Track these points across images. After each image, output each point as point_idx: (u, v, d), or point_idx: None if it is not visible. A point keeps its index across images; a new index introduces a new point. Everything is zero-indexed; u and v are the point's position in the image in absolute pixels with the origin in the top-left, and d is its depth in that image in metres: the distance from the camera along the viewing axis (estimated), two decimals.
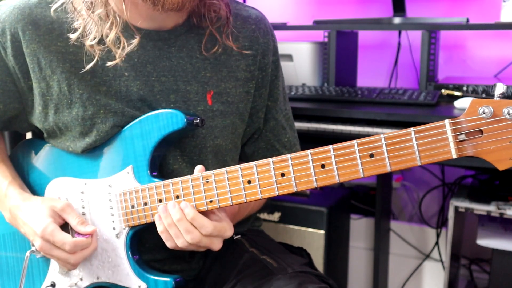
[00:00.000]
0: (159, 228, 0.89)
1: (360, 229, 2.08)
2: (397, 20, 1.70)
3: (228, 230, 0.89)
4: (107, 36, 0.91)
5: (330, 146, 0.78)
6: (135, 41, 0.92)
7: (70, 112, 0.96)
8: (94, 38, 0.92)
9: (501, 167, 0.70)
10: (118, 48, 0.92)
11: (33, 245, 1.03)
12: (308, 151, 0.80)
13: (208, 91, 1.00)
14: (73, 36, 0.93)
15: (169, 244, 0.89)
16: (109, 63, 0.93)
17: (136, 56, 0.97)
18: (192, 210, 0.86)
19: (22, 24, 0.95)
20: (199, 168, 0.89)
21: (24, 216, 0.96)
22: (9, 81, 0.98)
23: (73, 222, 0.95)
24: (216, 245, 0.88)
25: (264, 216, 1.78)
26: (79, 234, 0.94)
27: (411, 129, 0.74)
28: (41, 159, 1.05)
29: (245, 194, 0.85)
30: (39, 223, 0.93)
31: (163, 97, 0.97)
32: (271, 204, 1.78)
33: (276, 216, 1.78)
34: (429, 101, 1.46)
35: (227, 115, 1.01)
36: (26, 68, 0.97)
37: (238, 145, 1.08)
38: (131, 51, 0.95)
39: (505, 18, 1.58)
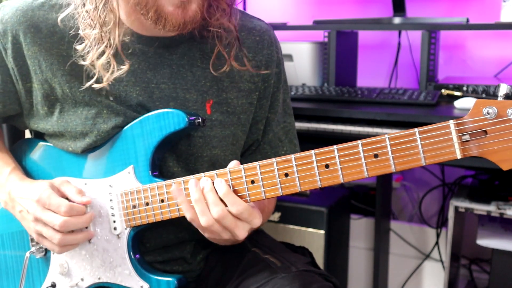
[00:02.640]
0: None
1: (360, 229, 2.08)
2: (397, 20, 1.70)
3: (257, 217, 0.85)
4: (98, 58, 0.90)
5: (334, 146, 0.78)
6: (124, 68, 0.90)
7: (75, 111, 0.96)
8: (92, 57, 0.90)
9: (505, 167, 0.71)
10: (107, 71, 0.90)
11: (31, 242, 1.03)
12: (312, 151, 0.80)
13: (207, 100, 0.99)
14: (79, 48, 0.92)
15: (188, 216, 0.86)
16: (96, 85, 0.91)
17: (137, 62, 0.96)
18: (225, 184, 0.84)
19: (24, 26, 0.94)
20: (234, 163, 0.86)
21: (22, 192, 0.96)
22: (9, 81, 0.99)
23: (70, 192, 0.95)
24: (241, 230, 0.84)
25: None
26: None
27: (416, 129, 0.74)
28: (41, 159, 1.05)
29: (248, 194, 0.85)
30: (36, 191, 0.93)
31: (162, 104, 0.96)
32: None
33: (276, 216, 1.78)
34: (429, 101, 1.46)
35: (227, 125, 1.00)
36: (26, 70, 0.97)
37: (239, 156, 1.07)
38: (132, 57, 0.95)
39: (505, 18, 1.58)
